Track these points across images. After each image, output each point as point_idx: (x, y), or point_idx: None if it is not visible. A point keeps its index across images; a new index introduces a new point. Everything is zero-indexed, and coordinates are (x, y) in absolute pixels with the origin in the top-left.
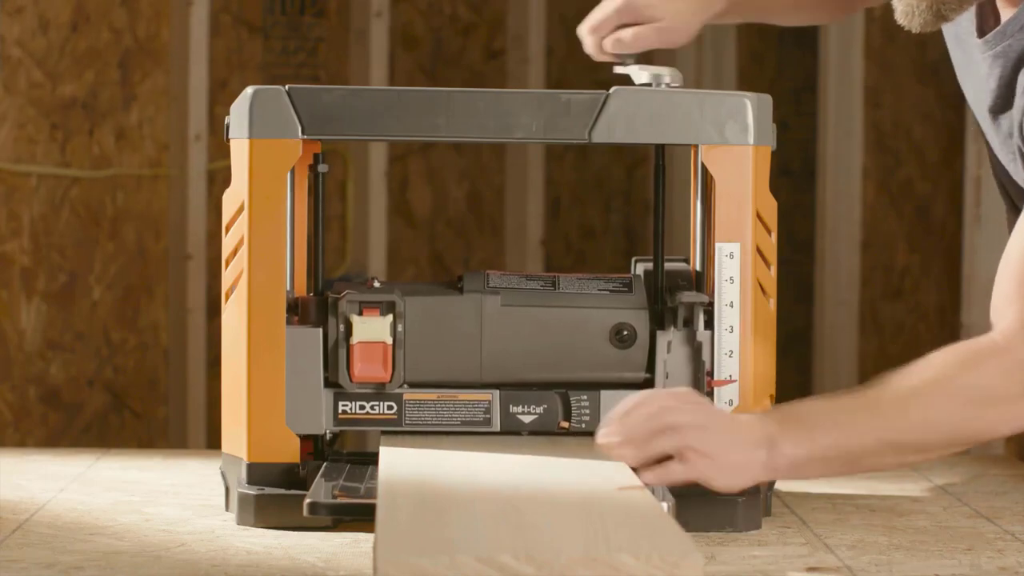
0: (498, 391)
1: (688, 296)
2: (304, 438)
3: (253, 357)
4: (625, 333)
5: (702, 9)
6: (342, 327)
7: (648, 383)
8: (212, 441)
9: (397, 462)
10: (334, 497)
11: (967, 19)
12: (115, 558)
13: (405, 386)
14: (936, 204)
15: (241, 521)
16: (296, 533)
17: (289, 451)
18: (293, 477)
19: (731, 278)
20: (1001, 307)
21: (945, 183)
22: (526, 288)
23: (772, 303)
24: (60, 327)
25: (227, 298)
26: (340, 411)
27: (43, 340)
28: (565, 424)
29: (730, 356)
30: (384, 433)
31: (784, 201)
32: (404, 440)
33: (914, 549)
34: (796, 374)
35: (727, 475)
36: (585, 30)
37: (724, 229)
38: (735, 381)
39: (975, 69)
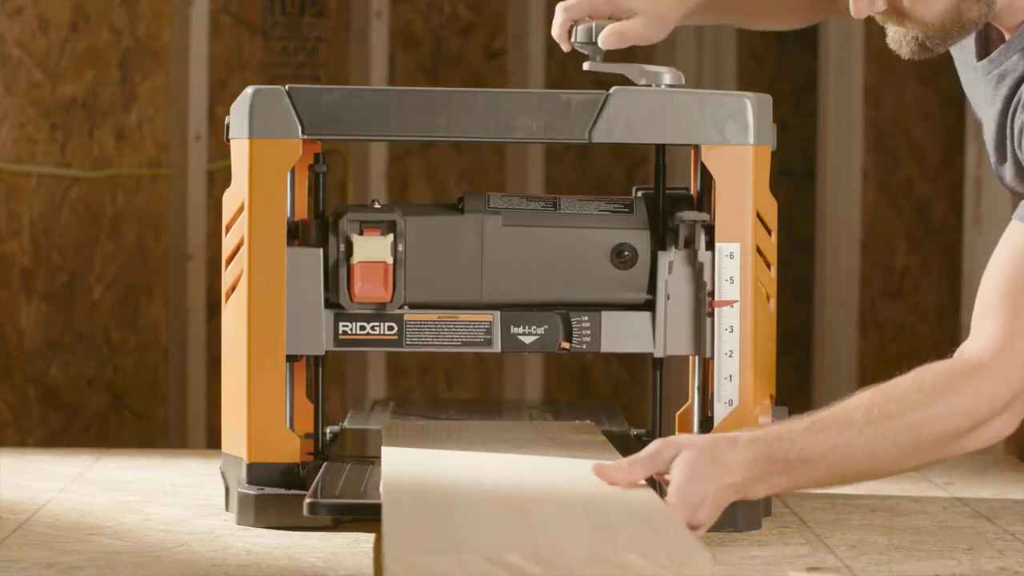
0: (499, 312)
1: (689, 215)
2: (305, 437)
3: (253, 357)
4: (626, 253)
5: (678, 4)
6: (343, 247)
7: (649, 304)
8: (212, 441)
9: (399, 461)
10: (334, 497)
11: (969, 45)
12: (115, 558)
13: (406, 307)
14: (936, 204)
15: (241, 521)
16: (296, 533)
17: (289, 451)
18: (293, 477)
19: (731, 278)
20: (981, 317)
21: (945, 183)
22: (527, 208)
23: (772, 303)
24: (60, 327)
25: (227, 298)
26: (340, 331)
27: (43, 340)
28: (566, 345)
29: (730, 356)
30: (387, 428)
31: (784, 201)
32: (405, 439)
33: (914, 549)
34: (796, 374)
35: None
36: (560, 7)
37: (724, 229)
38: (736, 301)
39: (979, 90)
